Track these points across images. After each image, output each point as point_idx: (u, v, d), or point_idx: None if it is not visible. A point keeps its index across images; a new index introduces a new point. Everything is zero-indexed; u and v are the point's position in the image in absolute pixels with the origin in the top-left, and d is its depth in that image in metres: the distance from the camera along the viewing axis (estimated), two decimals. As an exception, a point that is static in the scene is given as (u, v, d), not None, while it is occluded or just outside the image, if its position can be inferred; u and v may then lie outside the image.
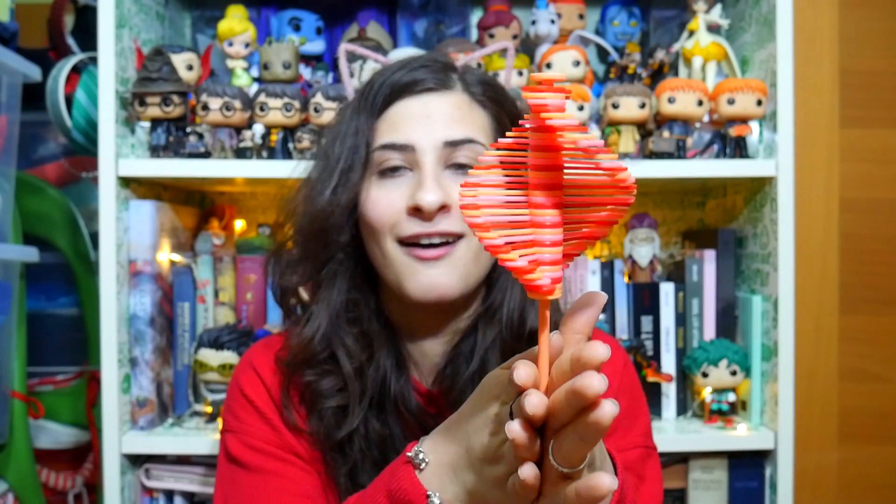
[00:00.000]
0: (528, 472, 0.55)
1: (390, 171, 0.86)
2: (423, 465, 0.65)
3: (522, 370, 0.53)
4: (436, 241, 0.83)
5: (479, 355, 0.88)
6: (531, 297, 0.57)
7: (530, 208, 0.53)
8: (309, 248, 0.91)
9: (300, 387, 0.90)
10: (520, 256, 0.52)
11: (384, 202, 0.85)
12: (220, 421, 1.27)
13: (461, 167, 0.85)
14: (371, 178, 0.88)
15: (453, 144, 0.85)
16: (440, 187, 0.83)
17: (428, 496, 0.64)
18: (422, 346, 0.92)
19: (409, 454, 0.66)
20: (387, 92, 0.88)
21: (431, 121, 0.86)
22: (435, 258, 0.84)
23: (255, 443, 0.89)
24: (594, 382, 0.49)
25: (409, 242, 0.84)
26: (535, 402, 0.52)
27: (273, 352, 0.93)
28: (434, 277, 0.83)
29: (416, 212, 0.83)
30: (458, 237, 0.84)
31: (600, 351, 0.50)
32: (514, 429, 0.54)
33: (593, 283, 1.38)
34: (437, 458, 0.65)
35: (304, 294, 0.97)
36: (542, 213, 0.53)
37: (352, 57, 1.31)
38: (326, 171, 0.89)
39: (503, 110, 0.91)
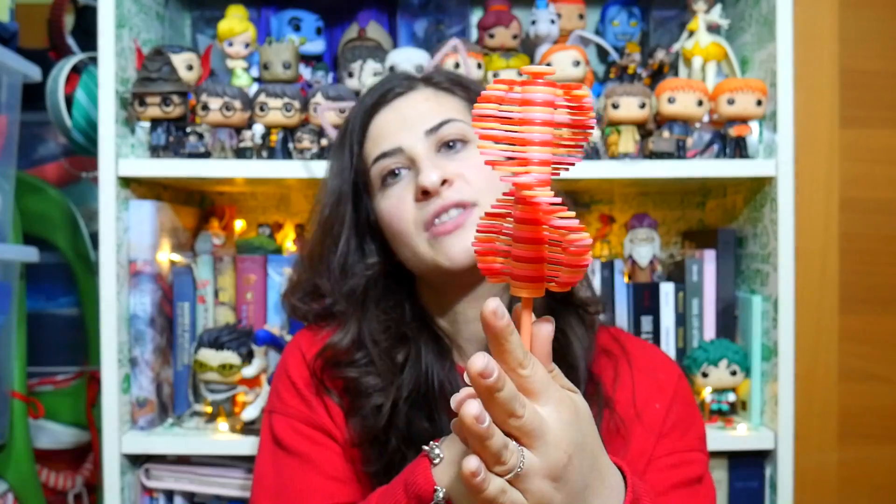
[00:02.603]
0: (473, 464, 0.57)
1: (391, 177, 0.93)
2: (438, 459, 0.68)
3: (470, 411, 0.55)
4: (453, 213, 0.88)
5: None
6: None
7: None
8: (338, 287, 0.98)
9: (342, 381, 0.94)
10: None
11: (395, 203, 0.92)
12: (221, 420, 1.28)
13: (450, 146, 0.92)
14: (378, 195, 0.94)
15: (434, 130, 0.92)
16: (437, 166, 0.89)
17: (435, 490, 0.66)
18: (466, 317, 0.94)
19: (426, 448, 0.69)
20: (362, 116, 0.97)
21: (408, 120, 0.93)
22: (455, 227, 0.87)
23: (293, 423, 0.93)
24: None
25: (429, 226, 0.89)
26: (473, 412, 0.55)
27: (319, 340, 0.97)
28: (463, 242, 0.87)
29: (425, 195, 0.88)
30: (473, 205, 0.88)
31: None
32: (472, 465, 0.56)
33: (593, 283, 1.38)
34: (450, 455, 0.67)
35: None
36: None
37: (351, 56, 1.31)
38: (330, 239, 0.98)
39: (471, 92, 0.98)
